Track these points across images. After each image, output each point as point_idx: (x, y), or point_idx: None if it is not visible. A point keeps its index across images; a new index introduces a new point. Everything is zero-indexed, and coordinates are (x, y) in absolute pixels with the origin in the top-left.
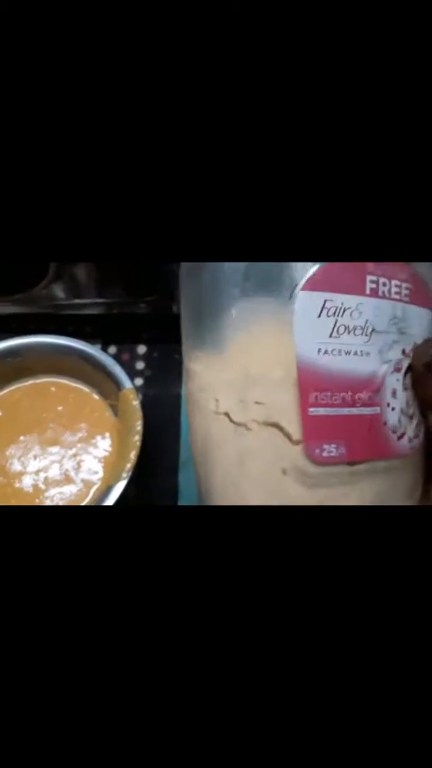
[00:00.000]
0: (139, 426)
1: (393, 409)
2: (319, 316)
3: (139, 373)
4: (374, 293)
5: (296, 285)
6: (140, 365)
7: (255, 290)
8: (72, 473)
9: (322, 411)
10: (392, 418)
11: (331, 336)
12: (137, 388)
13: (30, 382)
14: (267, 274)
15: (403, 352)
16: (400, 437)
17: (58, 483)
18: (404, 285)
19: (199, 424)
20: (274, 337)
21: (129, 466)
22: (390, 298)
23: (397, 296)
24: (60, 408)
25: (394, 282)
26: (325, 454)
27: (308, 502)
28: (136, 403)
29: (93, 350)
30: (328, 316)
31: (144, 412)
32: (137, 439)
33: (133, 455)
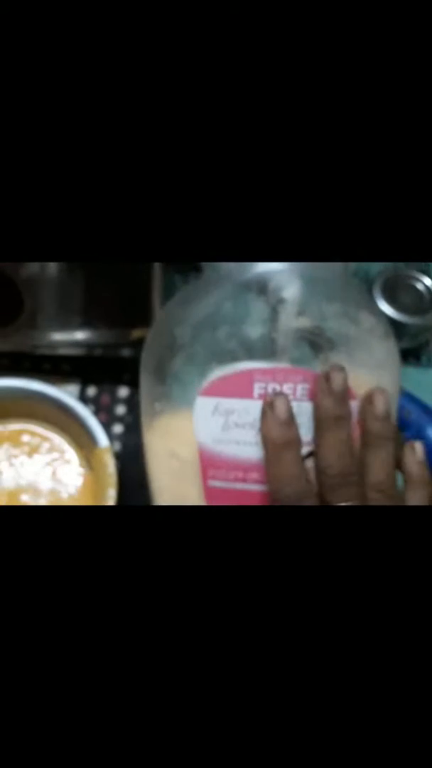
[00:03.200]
0: (111, 493)
1: None
2: (213, 414)
3: (120, 419)
4: (262, 397)
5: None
6: (121, 410)
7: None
8: None
9: (218, 483)
10: None
11: (223, 430)
12: (116, 437)
13: (0, 428)
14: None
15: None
16: None
17: None
18: (300, 386)
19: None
20: (188, 426)
21: None
22: None
23: (290, 397)
24: (31, 460)
25: (286, 385)
26: None
27: None
28: (111, 466)
29: (68, 399)
30: (221, 415)
31: (123, 464)
32: None
33: None
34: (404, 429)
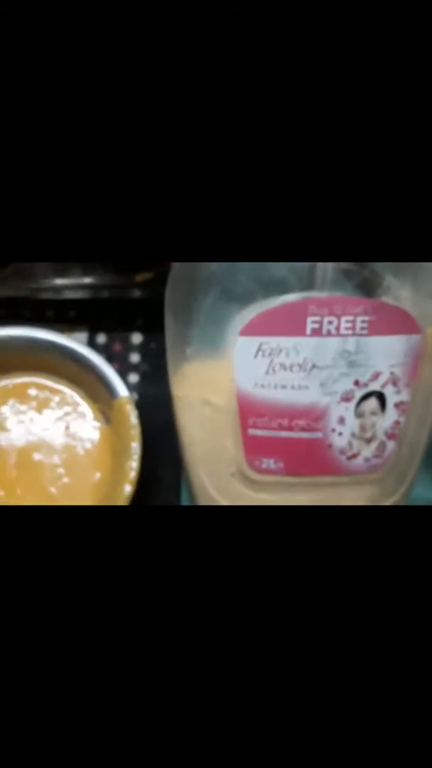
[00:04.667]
0: (135, 447)
1: (340, 434)
2: (255, 357)
3: (134, 368)
4: (316, 333)
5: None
6: (135, 358)
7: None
8: (58, 495)
9: (259, 432)
10: (339, 441)
11: (267, 373)
12: (132, 387)
13: (4, 382)
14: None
15: (356, 383)
16: (352, 457)
17: None
18: (359, 319)
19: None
20: (224, 371)
21: (124, 497)
22: (338, 335)
23: (348, 331)
24: (41, 416)
25: (344, 318)
26: (264, 466)
27: (254, 503)
28: (132, 418)
29: (78, 347)
30: (264, 357)
31: (140, 415)
32: (134, 466)
33: (127, 489)
34: None
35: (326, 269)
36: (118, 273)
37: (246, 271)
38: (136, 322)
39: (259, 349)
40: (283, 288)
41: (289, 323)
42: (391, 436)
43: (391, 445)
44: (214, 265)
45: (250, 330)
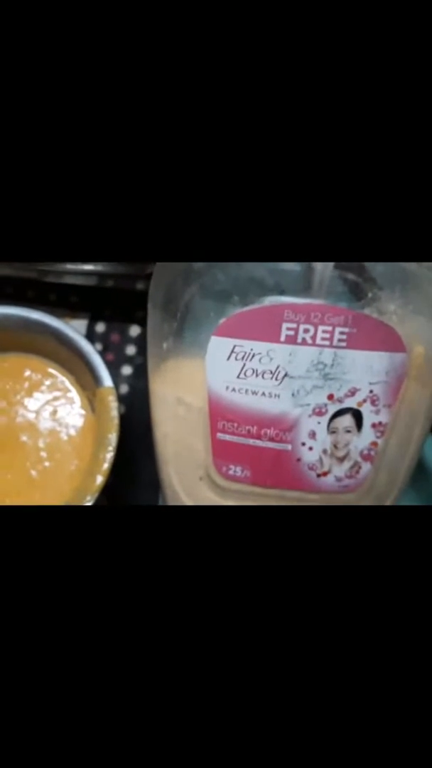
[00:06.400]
0: (112, 438)
1: (311, 449)
2: (228, 359)
3: (129, 360)
4: (291, 340)
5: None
6: (131, 350)
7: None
8: (37, 479)
9: (228, 437)
10: (309, 456)
11: (238, 377)
12: (124, 379)
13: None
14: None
15: (330, 397)
16: (322, 475)
17: (18, 492)
18: (338, 330)
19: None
20: (199, 371)
21: (95, 488)
22: (314, 345)
23: (325, 342)
24: (32, 398)
25: (321, 328)
26: (231, 472)
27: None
28: (113, 409)
29: (70, 331)
30: (237, 360)
31: (130, 408)
32: (108, 457)
33: (98, 480)
34: None
35: (324, 273)
36: (127, 262)
37: (226, 269)
38: (136, 315)
39: (232, 351)
40: (262, 290)
41: (264, 328)
42: (366, 457)
43: (366, 467)
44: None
45: (224, 331)
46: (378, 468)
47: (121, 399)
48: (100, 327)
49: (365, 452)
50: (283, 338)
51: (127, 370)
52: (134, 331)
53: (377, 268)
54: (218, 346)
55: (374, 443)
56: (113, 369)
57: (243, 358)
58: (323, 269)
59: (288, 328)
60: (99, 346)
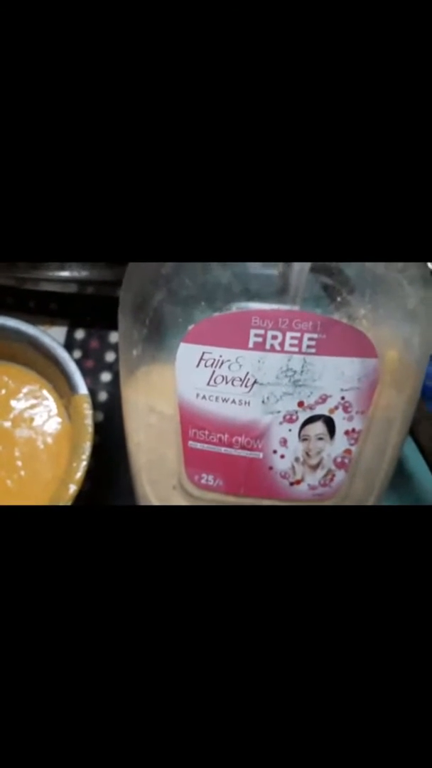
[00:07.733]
0: (87, 447)
1: (282, 456)
2: (198, 366)
3: (108, 367)
4: (259, 347)
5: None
6: (110, 357)
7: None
8: (13, 488)
9: (199, 446)
10: (281, 464)
11: (208, 384)
12: (103, 386)
13: None
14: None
15: (300, 404)
16: (295, 483)
17: None
18: (307, 336)
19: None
20: (170, 378)
21: (68, 497)
22: (282, 351)
23: (293, 348)
24: (8, 406)
25: (290, 334)
26: (203, 482)
27: None
28: (88, 417)
29: (46, 338)
30: (206, 367)
31: (109, 415)
32: (82, 466)
33: (71, 489)
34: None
35: (301, 276)
36: (107, 268)
37: (193, 275)
38: (116, 322)
39: (201, 359)
40: (229, 296)
41: (232, 334)
42: (341, 465)
43: (340, 474)
44: (165, 266)
45: (193, 337)
46: (353, 475)
47: (101, 406)
48: (80, 334)
49: (339, 460)
50: (251, 345)
51: (106, 377)
52: (114, 337)
53: (347, 271)
54: (187, 352)
55: (348, 451)
56: (92, 376)
57: (212, 365)
58: (300, 272)
59: (256, 335)
60: (78, 353)
